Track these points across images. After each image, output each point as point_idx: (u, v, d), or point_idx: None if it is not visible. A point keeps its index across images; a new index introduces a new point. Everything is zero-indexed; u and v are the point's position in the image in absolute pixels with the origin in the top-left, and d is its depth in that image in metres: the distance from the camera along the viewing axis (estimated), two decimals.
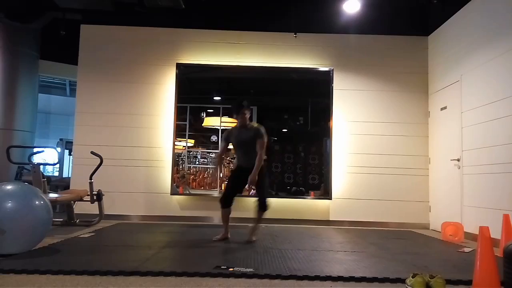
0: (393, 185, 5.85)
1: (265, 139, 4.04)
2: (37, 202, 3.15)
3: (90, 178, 4.91)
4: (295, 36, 6.06)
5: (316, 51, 6.06)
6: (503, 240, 3.62)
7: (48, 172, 11.63)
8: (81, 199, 4.90)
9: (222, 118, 5.95)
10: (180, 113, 5.90)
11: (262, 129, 4.07)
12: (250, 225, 4.16)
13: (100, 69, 6.00)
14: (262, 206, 4.01)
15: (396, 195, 5.84)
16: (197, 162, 5.92)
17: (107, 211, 5.37)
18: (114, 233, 4.40)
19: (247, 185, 4.00)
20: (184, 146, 5.92)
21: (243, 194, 5.71)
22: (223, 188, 5.81)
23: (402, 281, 2.50)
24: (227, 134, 4.22)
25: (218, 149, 5.88)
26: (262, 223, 4.15)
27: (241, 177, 4.08)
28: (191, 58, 6.03)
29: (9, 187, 3.15)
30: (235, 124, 4.22)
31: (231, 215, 4.17)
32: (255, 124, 4.18)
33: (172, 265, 2.81)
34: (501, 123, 4.24)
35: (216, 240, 4.06)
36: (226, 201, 4.08)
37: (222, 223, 4.19)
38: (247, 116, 4.11)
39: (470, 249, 3.83)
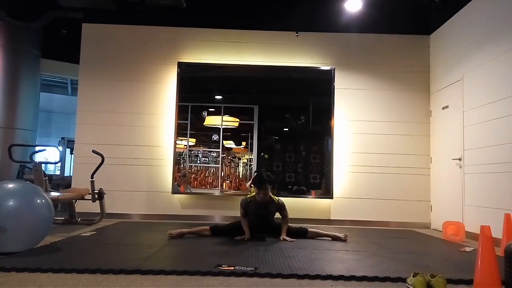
0: (394, 185, 5.85)
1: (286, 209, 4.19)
2: (38, 201, 3.16)
3: (92, 177, 4.92)
4: (297, 35, 6.05)
5: (318, 50, 6.06)
6: (504, 239, 3.61)
7: (49, 170, 11.65)
8: (82, 198, 4.91)
9: (223, 117, 5.96)
10: (181, 112, 5.90)
11: (283, 202, 4.18)
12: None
13: (102, 67, 6.00)
14: (304, 234, 4.21)
15: (397, 195, 5.83)
16: (198, 161, 5.92)
17: (108, 209, 5.38)
18: (115, 232, 4.41)
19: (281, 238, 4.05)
20: (185, 145, 5.92)
21: (240, 193, 5.75)
22: (224, 187, 5.82)
23: (403, 280, 2.49)
24: (246, 204, 4.11)
25: (219, 149, 5.88)
26: (325, 232, 4.32)
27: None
28: (193, 57, 6.03)
29: (10, 185, 3.16)
30: (254, 194, 4.12)
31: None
32: (275, 198, 4.17)
33: (173, 264, 2.82)
34: (503, 122, 4.23)
35: (171, 235, 4.03)
36: (217, 234, 4.14)
37: (193, 229, 4.19)
38: (269, 192, 4.06)
39: (471, 249, 3.82)
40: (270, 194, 4.09)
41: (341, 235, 4.17)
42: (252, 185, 4.23)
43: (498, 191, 4.25)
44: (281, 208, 4.16)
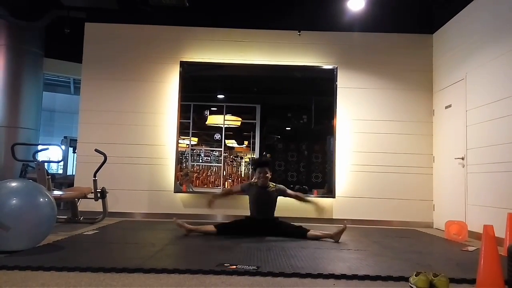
0: (397, 184, 5.83)
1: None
2: (41, 200, 3.17)
3: (94, 176, 4.93)
4: (299, 34, 6.04)
5: (320, 49, 6.05)
6: (507, 239, 3.60)
7: (52, 169, 11.70)
8: (85, 197, 4.92)
9: (225, 116, 5.96)
10: (183, 111, 5.91)
11: (282, 186, 4.42)
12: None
13: (104, 67, 6.01)
14: (303, 234, 4.08)
15: (400, 194, 5.82)
16: (200, 160, 5.93)
17: (111, 208, 5.39)
18: (117, 231, 4.42)
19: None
20: (188, 144, 5.93)
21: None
22: (227, 186, 5.82)
23: (406, 279, 2.49)
24: (247, 187, 4.39)
25: (221, 148, 5.88)
26: (324, 232, 4.16)
27: (251, 226, 4.18)
28: (195, 56, 6.03)
29: (13, 184, 3.17)
30: (255, 180, 4.37)
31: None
32: (273, 184, 4.38)
33: (175, 263, 2.82)
34: (506, 122, 4.21)
35: (179, 225, 4.08)
36: (223, 232, 4.12)
37: (199, 228, 4.16)
38: (269, 176, 4.27)
39: (474, 248, 3.81)
40: (269, 182, 4.30)
41: (339, 228, 4.00)
42: (253, 165, 4.55)
43: (501, 191, 4.24)
44: (283, 191, 4.35)
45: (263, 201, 4.28)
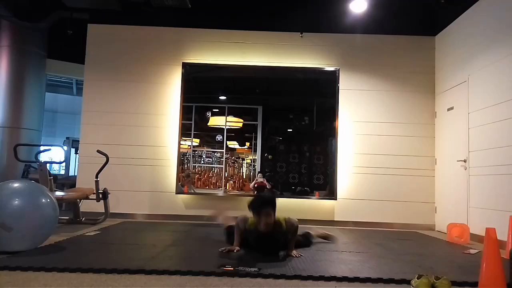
0: (399, 186, 5.82)
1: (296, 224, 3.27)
2: (43, 200, 3.17)
3: (96, 177, 4.93)
4: (301, 36, 6.05)
5: (322, 50, 6.05)
6: (509, 242, 3.59)
7: (54, 170, 11.71)
8: (87, 198, 4.93)
9: (227, 117, 5.96)
10: (185, 112, 5.91)
11: (294, 225, 3.26)
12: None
13: (107, 68, 6.03)
14: (310, 240, 3.84)
15: (402, 196, 5.81)
16: (202, 162, 5.93)
17: (112, 209, 5.40)
18: (119, 232, 4.43)
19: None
20: (189, 146, 5.94)
21: (243, 194, 5.74)
22: (228, 188, 5.82)
23: (407, 282, 2.48)
24: (244, 225, 3.27)
25: (223, 149, 5.89)
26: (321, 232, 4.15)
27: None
28: (197, 58, 6.04)
29: (16, 185, 3.17)
30: (254, 221, 3.18)
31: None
32: (283, 220, 3.20)
33: (177, 264, 2.82)
34: (508, 124, 4.20)
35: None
36: (227, 233, 3.68)
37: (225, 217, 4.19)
38: (273, 218, 3.09)
39: (476, 251, 3.80)
40: (276, 218, 3.18)
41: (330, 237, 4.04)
42: (249, 208, 3.15)
43: (503, 193, 4.23)
44: (293, 233, 3.27)
45: (267, 247, 3.26)
